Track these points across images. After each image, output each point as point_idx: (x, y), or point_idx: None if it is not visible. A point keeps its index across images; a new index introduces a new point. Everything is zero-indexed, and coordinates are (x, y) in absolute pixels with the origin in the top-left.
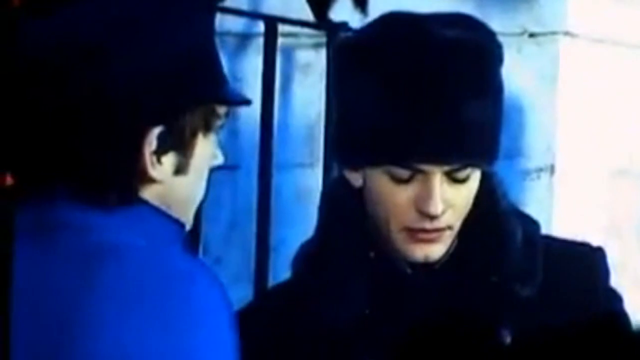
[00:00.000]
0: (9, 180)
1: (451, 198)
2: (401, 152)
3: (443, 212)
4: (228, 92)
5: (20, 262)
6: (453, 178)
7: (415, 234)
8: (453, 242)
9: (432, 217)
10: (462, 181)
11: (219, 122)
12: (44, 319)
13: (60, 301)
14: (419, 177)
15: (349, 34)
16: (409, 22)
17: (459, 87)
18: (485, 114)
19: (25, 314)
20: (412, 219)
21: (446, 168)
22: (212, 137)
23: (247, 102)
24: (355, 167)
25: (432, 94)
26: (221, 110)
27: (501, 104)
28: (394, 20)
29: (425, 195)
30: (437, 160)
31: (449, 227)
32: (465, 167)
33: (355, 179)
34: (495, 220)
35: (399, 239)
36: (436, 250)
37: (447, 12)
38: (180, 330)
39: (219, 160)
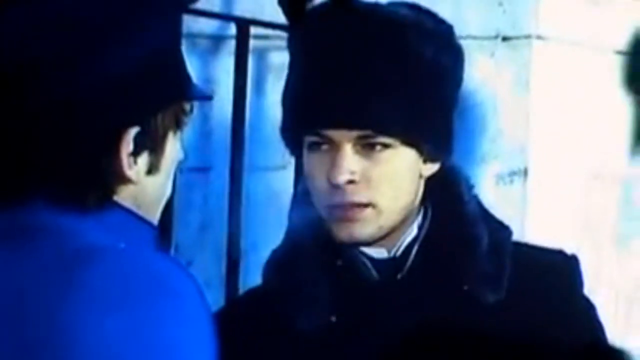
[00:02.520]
0: None
1: (367, 172)
2: (309, 118)
3: (354, 184)
4: (194, 89)
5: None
6: (366, 150)
7: (334, 211)
8: (415, 243)
9: (342, 190)
10: (378, 153)
11: (186, 120)
12: (23, 324)
13: (40, 306)
14: (331, 148)
15: None
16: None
17: (365, 56)
18: (395, 85)
19: (3, 320)
20: (327, 194)
21: (353, 134)
22: (178, 135)
23: (210, 97)
24: (287, 146)
25: (339, 62)
26: (187, 107)
27: (422, 78)
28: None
29: (333, 165)
30: (338, 123)
31: (372, 205)
32: (373, 135)
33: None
34: (460, 225)
35: (327, 220)
36: (360, 230)
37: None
38: (163, 327)
39: (182, 157)
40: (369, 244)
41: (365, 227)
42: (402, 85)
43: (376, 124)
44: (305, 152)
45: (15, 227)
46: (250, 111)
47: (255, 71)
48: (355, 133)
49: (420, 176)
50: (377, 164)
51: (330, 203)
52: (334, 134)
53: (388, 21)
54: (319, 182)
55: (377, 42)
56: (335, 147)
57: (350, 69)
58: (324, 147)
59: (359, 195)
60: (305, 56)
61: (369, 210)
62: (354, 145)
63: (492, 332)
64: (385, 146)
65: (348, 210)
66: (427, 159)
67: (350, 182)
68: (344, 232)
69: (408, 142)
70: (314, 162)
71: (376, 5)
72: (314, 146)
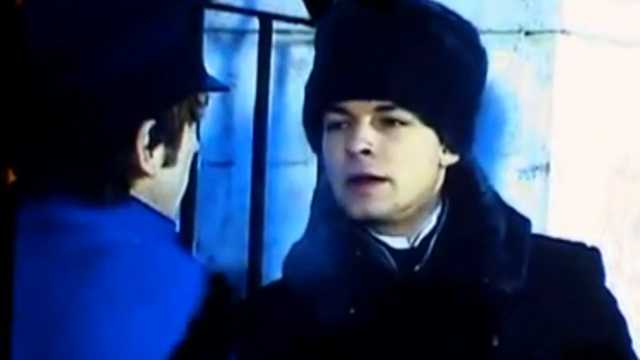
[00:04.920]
0: (11, 176)
1: (382, 144)
2: (329, 92)
3: (371, 156)
4: (209, 81)
5: (18, 261)
6: (382, 123)
7: (350, 186)
8: (434, 234)
9: (359, 160)
10: (392, 126)
11: (201, 111)
12: (43, 317)
13: (58, 299)
14: (351, 124)
15: None
16: None
17: (388, 36)
18: (416, 62)
19: (24, 313)
20: (344, 166)
21: (372, 105)
22: (194, 127)
23: (225, 88)
24: (309, 134)
25: (360, 40)
26: (203, 99)
27: (444, 64)
28: None
29: (351, 135)
30: (356, 93)
31: (388, 180)
32: (392, 107)
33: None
34: (478, 216)
35: (344, 197)
36: (375, 206)
37: None
38: (177, 323)
39: (197, 148)
40: (384, 224)
41: (380, 203)
42: (423, 64)
43: (395, 94)
44: (325, 135)
45: (34, 222)
46: (272, 106)
47: (278, 66)
48: (374, 104)
49: (440, 165)
50: (395, 140)
51: (346, 175)
52: (353, 106)
53: (413, 9)
54: (337, 155)
55: (400, 25)
56: (354, 122)
57: (371, 45)
58: (344, 125)
59: (375, 167)
60: (330, 41)
61: (385, 185)
62: (373, 119)
63: (511, 322)
64: (404, 123)
65: (364, 183)
66: (447, 148)
67: (367, 152)
68: (359, 208)
69: (427, 122)
70: (334, 139)
71: None
72: (334, 126)
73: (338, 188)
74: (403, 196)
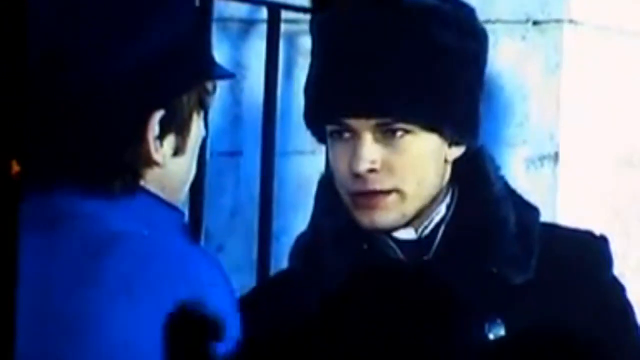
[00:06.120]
0: (15, 167)
1: (386, 158)
2: (328, 108)
3: (375, 173)
4: (217, 69)
5: (25, 252)
6: (384, 135)
7: (356, 199)
8: (442, 224)
9: (363, 178)
10: (394, 137)
11: (209, 100)
12: (51, 307)
13: (67, 290)
14: (352, 137)
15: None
16: None
17: (384, 45)
18: (414, 71)
19: (31, 304)
20: (349, 182)
21: (371, 122)
22: (202, 115)
23: (232, 75)
24: (312, 133)
25: (357, 50)
26: (211, 87)
27: (443, 65)
28: None
29: (353, 154)
30: (356, 111)
31: (397, 191)
32: (392, 122)
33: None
34: (487, 206)
35: (350, 206)
36: (382, 217)
37: None
38: None
39: (204, 134)
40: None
41: (388, 213)
42: (421, 73)
43: (393, 111)
44: (328, 139)
45: (44, 213)
46: (280, 96)
47: (286, 56)
48: (373, 121)
49: (446, 160)
50: (399, 151)
51: (352, 190)
52: (354, 122)
53: (408, 10)
54: (341, 169)
55: (396, 31)
56: (356, 136)
57: (368, 57)
58: (346, 135)
59: (381, 183)
60: (326, 44)
61: (392, 197)
62: (374, 133)
63: (519, 312)
64: (406, 132)
65: (371, 197)
66: (452, 142)
67: (372, 170)
68: (367, 219)
69: (429, 129)
70: (337, 150)
71: None
72: (336, 134)
73: (345, 197)
74: (410, 204)
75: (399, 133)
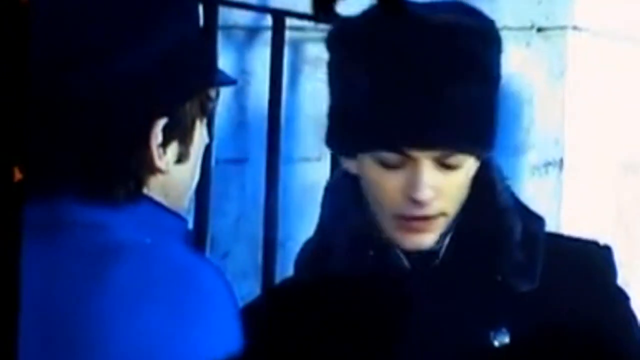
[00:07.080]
0: (17, 175)
1: (441, 185)
2: (389, 137)
3: (432, 199)
4: (219, 75)
5: (28, 260)
6: (443, 164)
7: (407, 222)
8: (448, 234)
9: (421, 204)
10: (453, 168)
11: (212, 106)
12: (54, 316)
13: (69, 299)
14: (408, 163)
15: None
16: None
17: (445, 71)
18: (477, 100)
19: (34, 312)
20: (402, 206)
21: (435, 154)
22: (204, 121)
23: (234, 81)
24: (348, 155)
25: (419, 77)
26: (213, 93)
27: (497, 90)
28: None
29: (413, 182)
30: (424, 145)
31: (442, 214)
32: (454, 153)
33: (352, 167)
34: (493, 215)
35: (391, 227)
36: (427, 239)
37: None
38: (188, 322)
39: (207, 140)
40: None
41: (432, 235)
42: (478, 102)
43: (459, 144)
44: (368, 161)
45: (47, 221)
46: (285, 103)
47: (291, 63)
48: (438, 153)
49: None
50: (453, 178)
51: (408, 215)
52: (415, 152)
53: (447, 31)
54: (391, 195)
55: (452, 59)
56: (412, 162)
57: (430, 86)
58: (397, 161)
59: (433, 207)
60: (374, 69)
61: (439, 220)
62: (433, 160)
63: (524, 322)
64: (461, 161)
65: (421, 221)
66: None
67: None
68: (410, 241)
69: (478, 157)
70: (384, 174)
71: (429, 7)
72: (384, 163)
73: (386, 220)
74: (448, 222)
75: (456, 161)
